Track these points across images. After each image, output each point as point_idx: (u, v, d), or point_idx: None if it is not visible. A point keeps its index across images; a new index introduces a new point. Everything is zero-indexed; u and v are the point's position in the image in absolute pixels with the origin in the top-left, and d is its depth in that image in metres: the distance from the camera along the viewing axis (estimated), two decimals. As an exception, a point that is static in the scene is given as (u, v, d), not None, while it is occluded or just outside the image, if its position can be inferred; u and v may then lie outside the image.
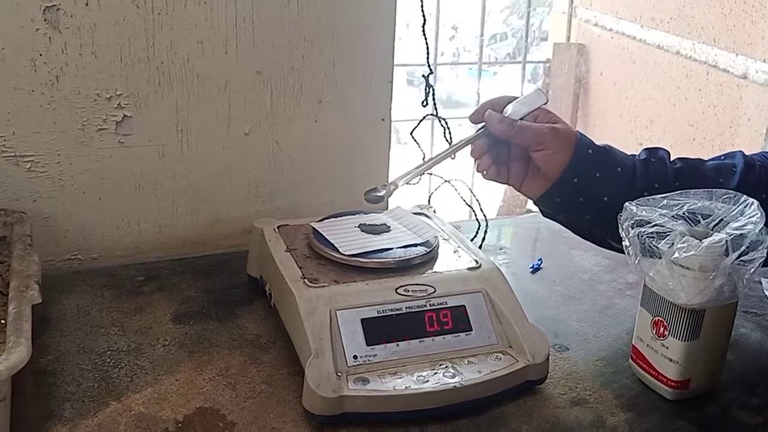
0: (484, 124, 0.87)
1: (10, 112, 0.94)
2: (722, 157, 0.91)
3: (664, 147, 0.90)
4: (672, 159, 0.89)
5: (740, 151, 0.91)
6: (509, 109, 0.88)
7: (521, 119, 0.86)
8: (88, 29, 0.93)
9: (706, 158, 0.91)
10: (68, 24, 0.92)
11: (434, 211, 1.01)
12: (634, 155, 0.89)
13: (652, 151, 0.89)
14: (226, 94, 1.03)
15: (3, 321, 0.73)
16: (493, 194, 2.85)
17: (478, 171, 0.90)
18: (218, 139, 1.05)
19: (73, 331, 0.87)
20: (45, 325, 0.87)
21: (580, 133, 0.87)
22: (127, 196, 1.03)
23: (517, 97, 0.89)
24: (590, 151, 0.85)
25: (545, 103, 0.88)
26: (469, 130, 0.91)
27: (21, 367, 0.65)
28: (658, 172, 0.86)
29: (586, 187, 0.84)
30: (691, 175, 0.86)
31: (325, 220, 0.93)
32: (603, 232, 0.88)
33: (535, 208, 0.93)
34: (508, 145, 0.88)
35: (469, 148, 0.89)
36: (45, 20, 0.91)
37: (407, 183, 0.88)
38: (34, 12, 0.91)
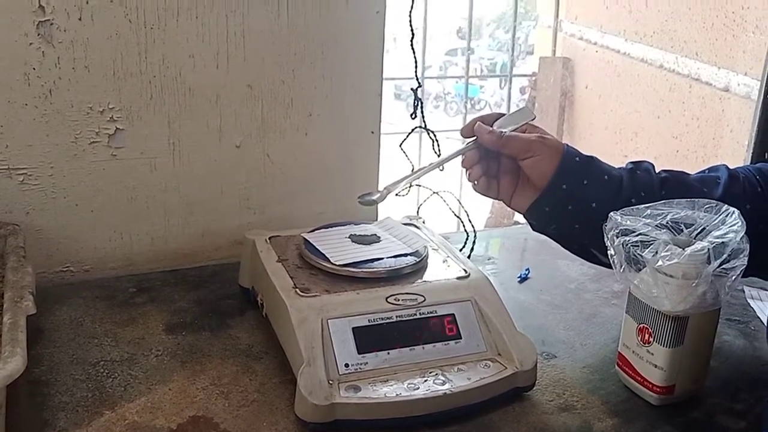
0: (474, 137, 0.90)
1: (3, 125, 0.94)
2: (706, 171, 0.93)
3: (648, 160, 0.92)
4: (657, 170, 0.91)
5: (724, 165, 0.93)
6: (497, 125, 0.90)
7: None
8: (81, 43, 0.95)
9: (690, 171, 0.93)
10: (61, 38, 0.94)
11: (423, 222, 1.03)
12: (620, 167, 0.90)
13: (637, 163, 0.91)
14: (218, 107, 1.04)
15: (-2, 331, 0.74)
16: (481, 206, 2.87)
17: (468, 180, 0.92)
18: (210, 151, 1.06)
19: (67, 342, 0.88)
20: (38, 336, 0.88)
21: (567, 144, 0.89)
22: (120, 209, 1.04)
23: (505, 114, 0.92)
24: (577, 158, 0.87)
25: (533, 119, 0.91)
26: (457, 142, 0.93)
27: (17, 377, 0.66)
28: (644, 182, 0.88)
29: (575, 193, 0.86)
30: (676, 184, 0.88)
31: (316, 231, 0.94)
32: (591, 243, 0.90)
33: (524, 220, 0.95)
34: (497, 160, 0.90)
35: (459, 159, 0.91)
36: (38, 35, 0.92)
37: (398, 192, 0.90)
38: (27, 26, 0.92)
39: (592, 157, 0.89)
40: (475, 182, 0.91)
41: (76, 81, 0.96)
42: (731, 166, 0.93)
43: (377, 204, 0.89)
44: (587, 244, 0.90)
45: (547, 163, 0.86)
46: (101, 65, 0.96)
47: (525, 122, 0.90)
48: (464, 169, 0.92)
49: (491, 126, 0.90)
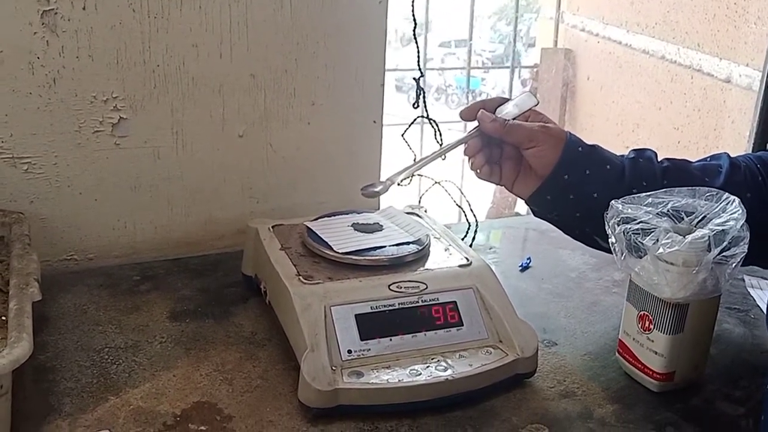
0: (477, 125, 0.90)
1: (8, 114, 0.95)
2: (708, 159, 0.94)
3: (651, 148, 0.92)
4: (659, 159, 0.91)
5: (725, 153, 0.93)
6: (501, 111, 0.90)
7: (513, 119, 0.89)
8: (85, 33, 0.95)
9: (692, 160, 0.94)
10: (65, 27, 0.94)
11: (425, 211, 1.03)
12: (622, 155, 0.91)
13: (639, 152, 0.91)
14: (221, 96, 1.05)
15: (4, 318, 0.75)
16: (483, 196, 2.88)
17: (471, 169, 0.92)
18: (213, 140, 1.07)
19: (71, 329, 0.88)
20: (43, 323, 0.88)
21: (570, 133, 0.89)
22: (123, 197, 1.05)
23: (508, 99, 0.92)
24: (580, 148, 0.87)
25: (536, 105, 0.91)
26: (458, 133, 0.93)
27: (23, 362, 0.66)
28: (646, 171, 0.88)
29: (577, 183, 0.86)
30: (677, 173, 0.89)
31: (319, 220, 0.94)
32: (592, 230, 0.90)
33: (524, 210, 0.95)
34: (500, 146, 0.90)
35: (462, 147, 0.91)
36: (43, 24, 0.93)
37: (401, 182, 0.90)
38: (32, 15, 0.92)
39: (594, 146, 0.89)
40: (478, 170, 0.92)
41: (79, 70, 0.96)
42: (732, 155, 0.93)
43: (380, 195, 0.89)
44: (589, 232, 0.91)
45: (549, 153, 0.86)
46: (105, 54, 0.97)
47: (528, 108, 0.90)
48: (466, 157, 0.92)
49: (494, 111, 0.90)
